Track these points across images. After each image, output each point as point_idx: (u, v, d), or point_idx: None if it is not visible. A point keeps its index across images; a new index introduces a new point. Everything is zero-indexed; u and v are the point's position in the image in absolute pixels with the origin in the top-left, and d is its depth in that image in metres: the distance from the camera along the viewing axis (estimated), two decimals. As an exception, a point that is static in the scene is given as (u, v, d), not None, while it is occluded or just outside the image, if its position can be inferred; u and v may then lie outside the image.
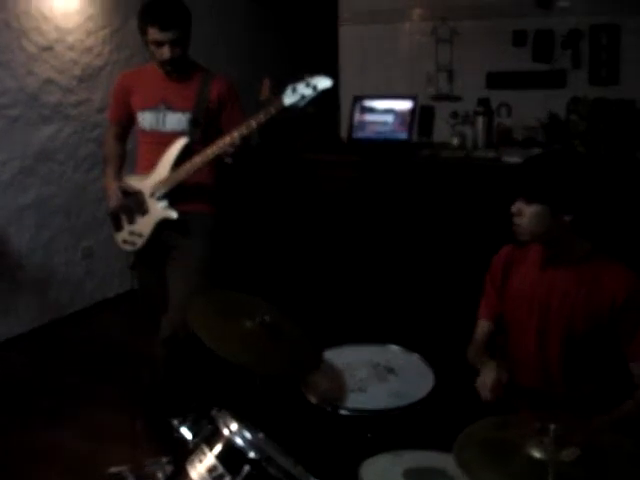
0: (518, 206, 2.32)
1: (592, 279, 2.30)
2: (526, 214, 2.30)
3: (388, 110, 4.39)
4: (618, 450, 1.71)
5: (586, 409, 2.28)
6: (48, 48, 4.86)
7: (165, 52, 3.10)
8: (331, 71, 2.99)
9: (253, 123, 2.96)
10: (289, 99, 2.88)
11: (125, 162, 3.50)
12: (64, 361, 4.42)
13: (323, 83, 2.86)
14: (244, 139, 3.02)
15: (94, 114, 5.26)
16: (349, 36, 6.19)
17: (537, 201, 2.27)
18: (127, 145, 3.53)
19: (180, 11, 3.13)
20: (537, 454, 1.65)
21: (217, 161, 3.16)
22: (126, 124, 3.45)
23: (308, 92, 2.85)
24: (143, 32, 3.13)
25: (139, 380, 3.40)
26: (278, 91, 2.92)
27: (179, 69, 3.20)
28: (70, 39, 5.02)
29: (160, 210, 3.21)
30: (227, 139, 3.02)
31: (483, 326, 2.60)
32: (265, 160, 4.41)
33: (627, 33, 5.18)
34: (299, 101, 2.87)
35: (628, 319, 2.26)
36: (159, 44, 3.10)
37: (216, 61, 5.37)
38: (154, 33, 3.08)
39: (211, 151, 3.06)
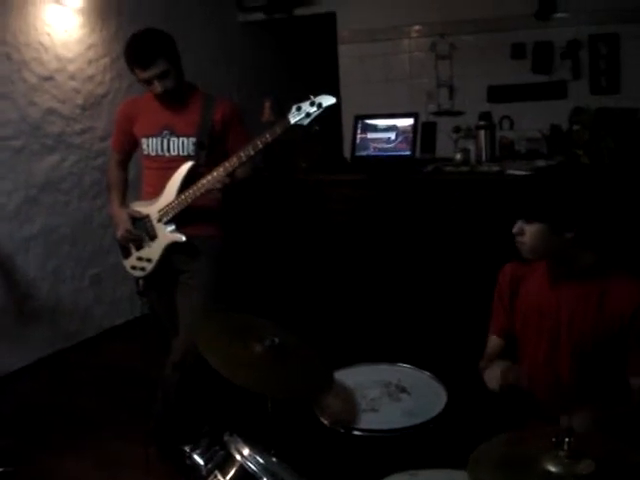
0: (519, 225, 2.32)
1: (600, 293, 2.28)
2: (527, 233, 2.30)
3: (390, 127, 4.39)
4: (634, 463, 1.69)
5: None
6: (49, 78, 4.88)
7: (156, 87, 3.11)
8: (332, 91, 3.00)
9: (259, 143, 2.97)
10: (294, 118, 2.89)
11: (127, 189, 3.52)
12: (75, 389, 4.40)
13: (327, 101, 2.88)
14: (250, 159, 3.04)
15: (97, 142, 5.27)
16: (349, 55, 6.24)
17: (536, 220, 2.27)
18: (129, 172, 3.54)
19: (159, 44, 3.11)
20: (552, 468, 1.63)
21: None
22: (129, 151, 3.48)
23: (313, 110, 2.87)
24: (132, 72, 3.15)
25: (151, 407, 3.39)
26: (280, 113, 2.93)
27: (176, 98, 3.21)
28: (71, 68, 5.05)
29: (168, 234, 3.22)
30: (234, 160, 3.03)
31: (494, 342, 2.59)
32: (270, 181, 4.42)
33: (626, 41, 5.21)
34: (304, 119, 2.88)
35: (633, 331, 2.24)
36: (147, 82, 3.12)
37: (216, 85, 5.41)
38: (139, 73, 3.10)
39: (217, 174, 3.07)
